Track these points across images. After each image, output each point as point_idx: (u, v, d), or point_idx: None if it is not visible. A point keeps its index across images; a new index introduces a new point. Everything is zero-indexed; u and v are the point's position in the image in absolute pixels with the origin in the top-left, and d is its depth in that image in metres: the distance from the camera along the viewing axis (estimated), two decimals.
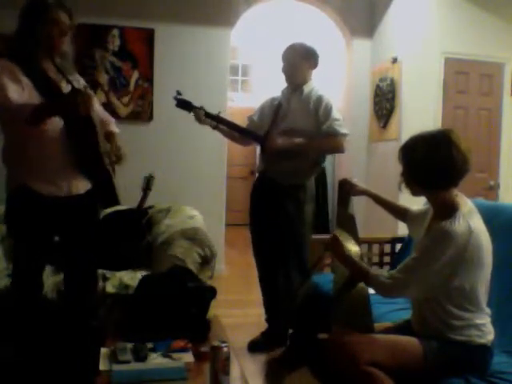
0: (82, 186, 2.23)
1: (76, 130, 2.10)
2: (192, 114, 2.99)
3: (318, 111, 2.90)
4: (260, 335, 3.14)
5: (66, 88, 2.10)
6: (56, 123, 2.06)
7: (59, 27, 2.12)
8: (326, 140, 2.90)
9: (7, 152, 2.16)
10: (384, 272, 1.83)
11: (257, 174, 3.23)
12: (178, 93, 2.99)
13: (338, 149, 2.98)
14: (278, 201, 2.94)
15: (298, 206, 2.95)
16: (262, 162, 3.08)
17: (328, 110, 2.89)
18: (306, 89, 2.99)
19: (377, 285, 1.79)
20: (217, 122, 3.01)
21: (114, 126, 2.41)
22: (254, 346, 3.08)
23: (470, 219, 1.71)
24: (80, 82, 2.26)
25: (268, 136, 2.95)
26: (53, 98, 2.01)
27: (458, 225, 1.68)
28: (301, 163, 2.93)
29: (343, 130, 2.90)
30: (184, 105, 2.99)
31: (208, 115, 2.98)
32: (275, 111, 3.03)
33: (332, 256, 2.27)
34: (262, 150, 3.03)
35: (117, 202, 2.36)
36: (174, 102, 2.99)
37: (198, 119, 2.98)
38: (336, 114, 2.91)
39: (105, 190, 2.28)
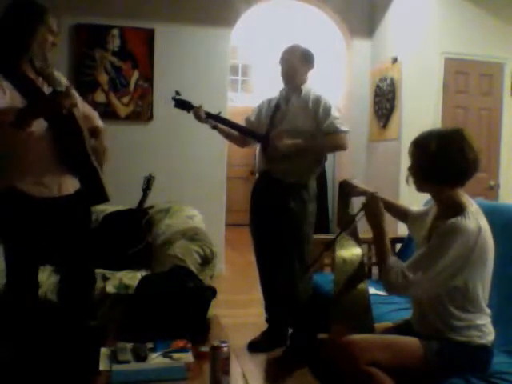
0: (71, 185, 2.21)
1: (61, 130, 2.09)
2: (191, 113, 3.00)
3: (318, 111, 2.92)
4: (260, 335, 3.14)
5: (47, 88, 2.10)
6: (41, 124, 2.04)
7: (53, 37, 2.11)
8: (328, 139, 2.92)
9: None
10: (398, 265, 1.75)
11: (257, 174, 3.21)
12: (177, 93, 3.00)
13: (340, 146, 2.99)
14: (282, 199, 2.93)
15: (302, 204, 2.94)
16: (263, 162, 3.07)
17: (327, 109, 2.92)
18: (304, 89, 3.01)
19: (386, 280, 1.76)
20: (217, 121, 3.01)
21: (99, 121, 2.39)
22: (254, 346, 3.08)
23: (478, 218, 1.72)
24: (62, 81, 2.23)
25: (269, 136, 2.95)
26: (35, 100, 1.99)
27: (469, 221, 1.68)
28: (302, 163, 2.94)
29: (344, 128, 2.93)
30: (183, 105, 2.99)
31: (208, 115, 2.98)
32: (273, 112, 3.03)
33: (332, 256, 2.26)
34: (264, 150, 3.02)
35: (106, 199, 2.31)
36: (173, 103, 2.98)
37: (199, 118, 2.99)
38: (335, 112, 2.94)
39: (93, 188, 2.25)
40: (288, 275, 2.96)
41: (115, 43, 4.60)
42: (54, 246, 2.28)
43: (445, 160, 1.74)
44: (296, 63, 3.00)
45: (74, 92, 2.04)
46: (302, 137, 2.89)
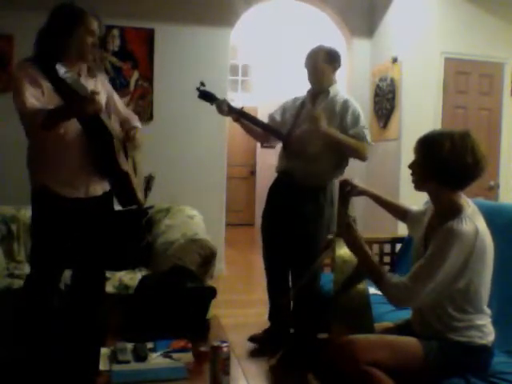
0: (99, 187, 2.28)
1: (92, 134, 2.14)
2: (214, 105, 2.96)
3: (345, 116, 2.87)
4: (262, 332, 3.13)
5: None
6: (74, 126, 2.10)
7: (93, 38, 2.18)
8: (354, 140, 2.86)
9: (30, 154, 2.21)
10: (396, 279, 1.76)
11: (276, 174, 3.13)
12: (202, 84, 2.94)
13: (361, 153, 2.91)
14: (298, 201, 2.89)
15: (318, 209, 2.89)
16: (283, 161, 3.03)
17: (356, 117, 2.88)
18: (332, 91, 2.95)
19: (388, 295, 1.75)
20: (239, 116, 2.98)
21: (137, 122, 2.46)
22: (255, 340, 3.08)
23: (475, 220, 1.72)
24: (98, 85, 2.28)
25: (291, 135, 2.91)
26: (66, 103, 2.03)
27: (465, 225, 1.68)
28: (323, 165, 2.88)
29: (369, 138, 2.91)
30: (206, 96, 2.95)
31: (231, 108, 2.95)
32: (298, 111, 3.00)
33: (332, 256, 2.26)
34: (285, 149, 2.99)
35: (136, 203, 2.36)
36: (197, 93, 2.95)
37: (221, 111, 2.96)
38: (364, 121, 2.90)
39: (123, 191, 2.30)
40: (301, 277, 2.94)
41: (115, 43, 4.60)
42: (78, 248, 2.32)
43: (456, 161, 1.72)
44: (321, 65, 2.94)
45: (98, 98, 2.04)
46: (325, 140, 2.83)
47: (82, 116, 2.04)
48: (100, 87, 2.29)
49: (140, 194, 2.37)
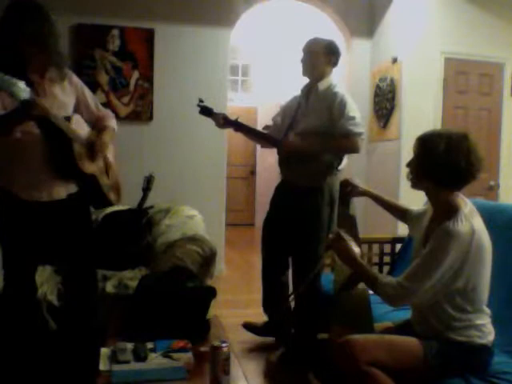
0: (62, 190, 2.22)
1: (50, 137, 2.10)
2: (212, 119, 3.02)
3: (332, 109, 2.80)
4: (260, 324, 3.17)
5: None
6: (35, 130, 2.06)
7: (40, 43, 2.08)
8: (340, 141, 2.82)
9: None
10: (391, 279, 1.78)
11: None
12: (200, 100, 3.00)
13: (352, 150, 2.85)
14: (296, 203, 2.90)
15: (316, 209, 2.88)
16: (280, 166, 3.06)
17: (342, 108, 2.77)
18: (322, 86, 2.90)
19: (385, 295, 1.76)
20: (234, 126, 3.01)
21: (111, 121, 2.41)
22: (248, 327, 3.15)
23: (471, 219, 1.72)
24: (65, 88, 2.22)
25: (283, 140, 2.93)
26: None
27: (461, 225, 1.69)
28: (314, 166, 2.86)
29: (357, 129, 2.77)
30: (206, 111, 3.01)
31: (226, 120, 2.98)
32: (295, 111, 3.00)
33: (332, 256, 2.27)
34: (278, 154, 3.00)
35: (108, 203, 2.35)
36: (198, 109, 3.00)
37: (218, 125, 3.00)
38: (351, 111, 2.78)
39: (92, 193, 2.28)
40: (300, 277, 2.94)
41: (115, 43, 4.60)
42: (53, 247, 2.29)
43: (450, 162, 1.73)
44: (316, 50, 2.89)
45: (42, 101, 1.97)
46: (317, 138, 2.82)
47: (27, 120, 1.97)
48: (68, 89, 2.23)
49: (112, 195, 2.34)
